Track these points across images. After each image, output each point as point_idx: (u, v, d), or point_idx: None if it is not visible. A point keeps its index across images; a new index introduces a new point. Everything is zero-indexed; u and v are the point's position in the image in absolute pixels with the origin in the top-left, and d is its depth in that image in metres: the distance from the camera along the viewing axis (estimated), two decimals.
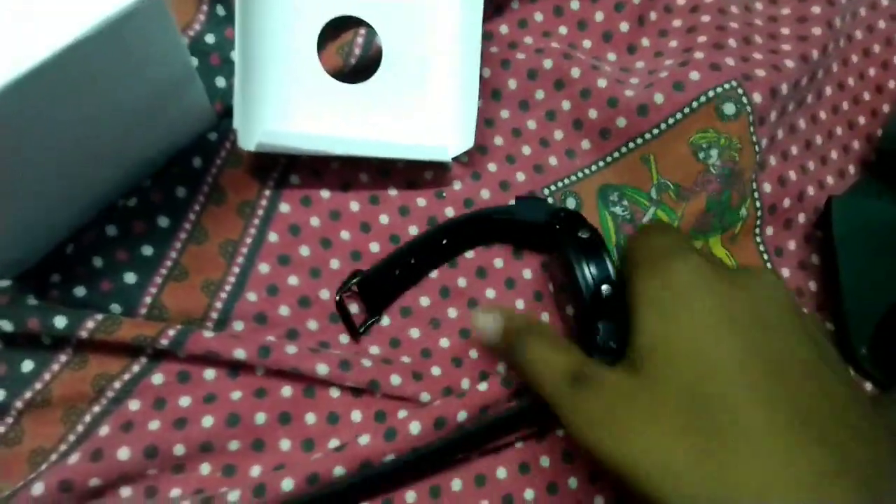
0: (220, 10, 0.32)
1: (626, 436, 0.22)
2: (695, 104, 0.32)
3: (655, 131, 0.33)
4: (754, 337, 0.22)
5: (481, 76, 0.32)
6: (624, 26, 0.36)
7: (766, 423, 0.20)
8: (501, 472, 0.29)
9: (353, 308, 0.30)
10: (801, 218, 0.35)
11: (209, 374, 0.28)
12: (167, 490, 0.26)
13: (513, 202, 0.32)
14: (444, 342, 0.30)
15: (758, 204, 0.34)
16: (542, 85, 0.34)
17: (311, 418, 0.28)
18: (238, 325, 0.29)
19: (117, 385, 0.27)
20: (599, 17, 0.35)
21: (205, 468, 0.27)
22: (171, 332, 0.27)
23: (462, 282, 0.31)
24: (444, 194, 0.32)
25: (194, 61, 0.31)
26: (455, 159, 0.32)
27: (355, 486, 0.26)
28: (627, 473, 0.21)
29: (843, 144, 0.37)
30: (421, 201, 0.32)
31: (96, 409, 0.27)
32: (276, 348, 0.28)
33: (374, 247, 0.31)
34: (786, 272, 0.34)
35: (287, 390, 0.28)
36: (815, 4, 0.36)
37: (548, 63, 0.33)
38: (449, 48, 0.31)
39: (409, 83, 0.32)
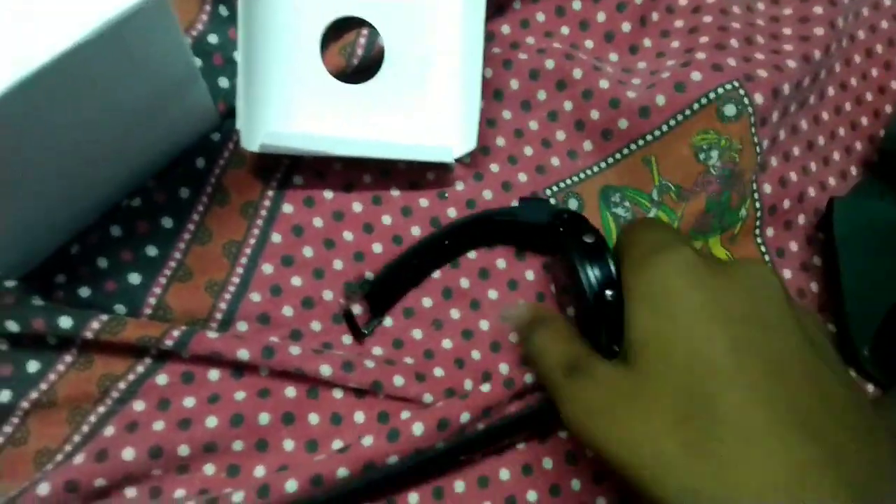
0: (223, 11, 0.32)
1: (618, 427, 0.22)
2: (696, 105, 0.32)
3: (657, 133, 0.33)
4: (748, 333, 0.22)
5: (483, 76, 0.32)
6: (626, 27, 0.36)
7: (764, 421, 0.20)
8: (504, 474, 0.29)
9: (356, 309, 0.30)
10: (801, 219, 0.35)
11: (213, 374, 0.28)
12: (171, 490, 0.26)
13: (516, 203, 0.32)
14: (447, 343, 0.30)
15: (757, 205, 0.34)
16: (544, 85, 0.34)
17: (314, 419, 0.28)
18: (242, 326, 0.29)
19: (122, 385, 0.27)
20: (601, 17, 0.35)
21: (209, 468, 0.27)
22: (176, 333, 0.27)
23: (464, 283, 0.31)
24: (447, 195, 0.32)
25: (197, 62, 0.31)
26: (457, 160, 0.32)
27: (358, 488, 0.26)
28: (620, 464, 0.21)
29: (846, 145, 0.37)
30: (423, 202, 0.32)
31: (101, 409, 0.27)
32: (280, 349, 0.28)
33: (377, 247, 0.31)
34: (787, 273, 0.34)
35: (291, 391, 0.28)
36: (817, 4, 0.36)
37: (550, 63, 0.33)
38: (451, 48, 0.31)
39: (412, 83, 0.32)
